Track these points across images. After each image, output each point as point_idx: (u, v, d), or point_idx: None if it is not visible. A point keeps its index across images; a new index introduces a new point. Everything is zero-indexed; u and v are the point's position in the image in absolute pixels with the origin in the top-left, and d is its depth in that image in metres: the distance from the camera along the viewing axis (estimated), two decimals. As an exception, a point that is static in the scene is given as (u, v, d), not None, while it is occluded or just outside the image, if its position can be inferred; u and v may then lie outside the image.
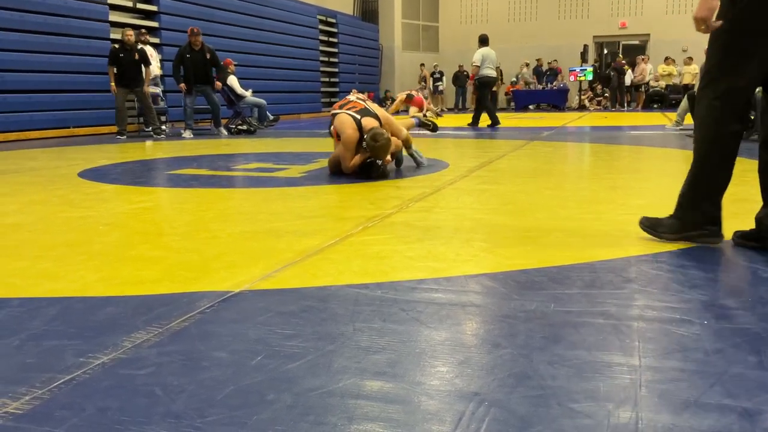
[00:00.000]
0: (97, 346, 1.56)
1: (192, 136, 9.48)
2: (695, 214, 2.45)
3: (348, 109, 4.69)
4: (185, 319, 1.74)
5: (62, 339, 1.61)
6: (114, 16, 10.60)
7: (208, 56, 9.39)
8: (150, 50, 10.33)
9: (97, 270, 2.27)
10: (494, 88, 20.44)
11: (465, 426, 1.17)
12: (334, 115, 4.76)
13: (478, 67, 10.73)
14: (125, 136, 9.04)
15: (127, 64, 8.98)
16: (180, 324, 1.71)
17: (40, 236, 2.85)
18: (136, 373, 1.40)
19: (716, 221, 2.44)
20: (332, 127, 4.87)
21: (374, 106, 4.80)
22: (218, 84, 9.64)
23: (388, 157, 4.62)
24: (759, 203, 2.46)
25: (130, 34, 9.08)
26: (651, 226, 2.58)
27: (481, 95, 11.14)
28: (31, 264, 2.38)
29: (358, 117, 4.57)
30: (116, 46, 9.00)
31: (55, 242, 2.73)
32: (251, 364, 1.45)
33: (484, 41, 10.99)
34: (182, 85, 9.36)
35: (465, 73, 20.61)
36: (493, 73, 10.84)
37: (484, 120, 11.22)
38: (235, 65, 11.20)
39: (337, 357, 1.48)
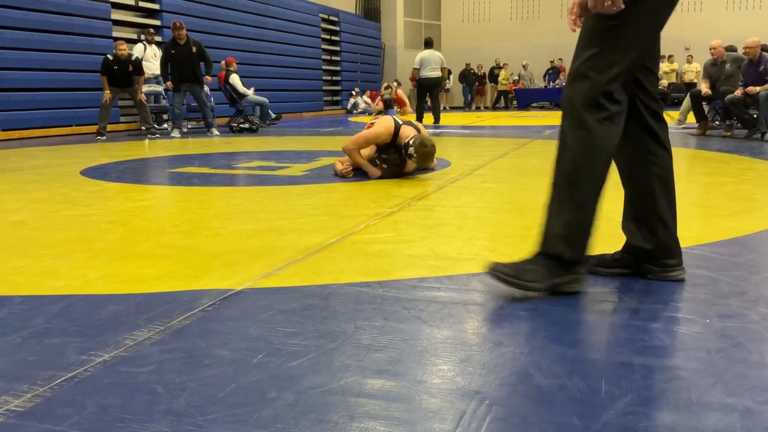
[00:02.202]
0: (99, 344, 1.56)
1: (179, 135, 9.34)
2: None
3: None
4: (187, 317, 1.74)
5: (64, 337, 1.62)
6: (116, 14, 10.61)
7: (194, 50, 9.08)
8: (154, 50, 10.33)
9: (99, 268, 2.28)
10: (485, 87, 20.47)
11: (466, 424, 1.17)
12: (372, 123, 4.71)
13: (417, 69, 11.06)
14: (105, 137, 8.83)
15: (119, 74, 8.84)
16: (181, 322, 1.71)
17: (42, 234, 2.85)
18: (138, 371, 1.40)
19: None
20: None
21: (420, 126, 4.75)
22: (207, 78, 9.30)
23: (377, 172, 4.60)
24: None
25: (124, 49, 8.84)
26: None
27: (420, 95, 11.36)
28: (33, 262, 2.38)
29: (400, 123, 4.52)
30: (110, 57, 8.82)
31: (57, 240, 2.73)
32: (252, 362, 1.45)
33: (427, 44, 11.39)
34: (168, 83, 9.24)
35: (472, 71, 20.65)
36: (432, 74, 11.01)
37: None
38: (237, 63, 11.20)
39: (338, 355, 1.48)
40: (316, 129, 10.90)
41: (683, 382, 1.33)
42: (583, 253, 1.88)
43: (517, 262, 1.91)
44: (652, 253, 2.00)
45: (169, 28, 11.39)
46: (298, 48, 15.89)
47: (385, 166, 4.53)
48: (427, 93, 11.14)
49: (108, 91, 8.87)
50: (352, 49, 18.98)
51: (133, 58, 9.13)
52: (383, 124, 4.51)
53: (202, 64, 9.36)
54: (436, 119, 11.45)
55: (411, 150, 4.29)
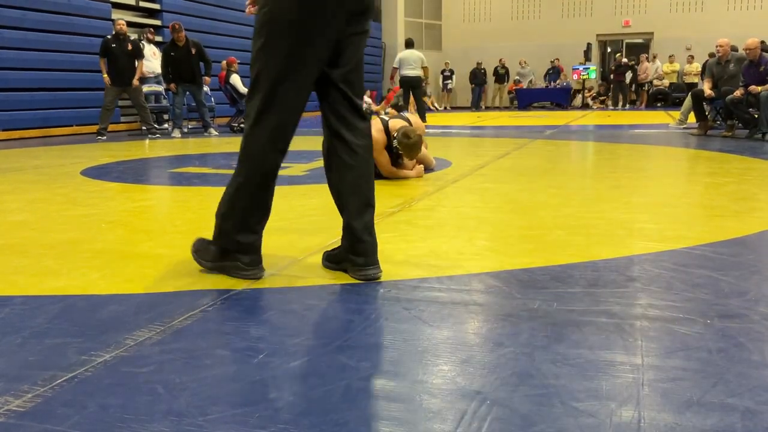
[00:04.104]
0: (100, 344, 1.56)
1: (180, 135, 9.36)
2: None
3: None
4: (187, 317, 1.74)
5: (65, 337, 1.61)
6: (116, 14, 10.61)
7: (193, 52, 9.08)
8: (153, 49, 10.32)
9: (100, 268, 2.28)
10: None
11: (467, 424, 1.16)
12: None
13: (396, 69, 11.15)
14: (105, 137, 8.83)
15: (119, 55, 8.80)
16: (182, 322, 1.71)
17: (42, 234, 2.85)
18: (139, 371, 1.40)
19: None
20: None
21: (413, 118, 4.75)
22: (206, 79, 9.26)
23: (420, 168, 4.60)
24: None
25: (122, 24, 8.88)
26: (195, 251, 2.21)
27: (405, 94, 11.27)
28: (33, 262, 2.38)
29: (386, 119, 4.53)
30: (108, 37, 8.85)
31: (58, 240, 2.73)
32: (253, 363, 1.45)
33: (408, 44, 11.44)
34: (172, 85, 9.26)
35: (483, 70, 20.66)
36: (411, 73, 11.02)
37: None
38: (238, 63, 11.19)
39: (338, 355, 1.48)
40: (316, 129, 10.88)
41: (684, 382, 1.32)
42: (233, 243, 2.07)
43: (207, 241, 2.17)
44: (348, 251, 2.10)
45: (169, 28, 11.41)
46: (298, 48, 15.86)
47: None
48: (410, 92, 11.16)
49: (106, 76, 8.80)
50: (353, 48, 18.95)
51: (132, 38, 9.09)
52: (372, 128, 4.48)
53: (202, 64, 9.36)
54: (422, 120, 11.49)
55: (395, 143, 4.32)
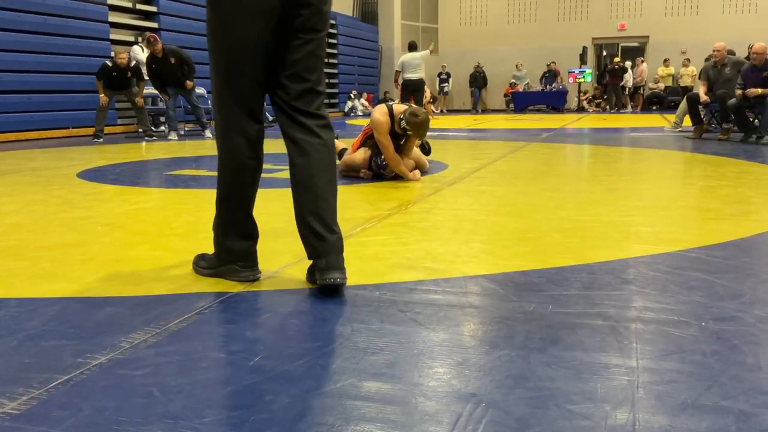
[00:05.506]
0: (95, 347, 1.56)
1: (177, 138, 9.36)
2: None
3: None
4: (183, 320, 1.74)
5: (60, 339, 1.61)
6: (113, 17, 10.61)
7: (172, 61, 9.02)
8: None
9: (96, 270, 2.27)
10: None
11: (462, 427, 1.17)
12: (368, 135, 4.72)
13: (399, 72, 11.22)
14: (102, 139, 8.88)
15: (117, 80, 8.94)
16: (178, 324, 1.71)
17: (38, 236, 2.85)
18: (134, 374, 1.40)
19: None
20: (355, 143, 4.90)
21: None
22: (189, 83, 9.22)
23: (417, 172, 4.62)
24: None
25: (123, 58, 8.94)
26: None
27: (404, 98, 11.28)
28: (29, 264, 2.38)
29: (390, 103, 4.59)
30: (109, 64, 8.90)
31: (54, 242, 2.73)
32: (249, 365, 1.45)
33: (411, 47, 11.51)
34: (163, 95, 9.26)
35: (481, 73, 20.71)
36: (414, 76, 11.04)
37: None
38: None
39: (334, 358, 1.48)
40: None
41: (679, 384, 1.33)
42: (225, 250, 2.10)
43: (205, 253, 2.25)
44: (310, 255, 2.00)
45: (167, 30, 11.41)
46: (295, 50, 15.85)
47: (382, 171, 4.56)
48: (411, 95, 11.18)
49: (103, 95, 8.89)
50: (350, 51, 18.98)
51: (132, 64, 9.12)
52: (377, 111, 4.54)
53: None
54: None
55: (403, 123, 4.36)
